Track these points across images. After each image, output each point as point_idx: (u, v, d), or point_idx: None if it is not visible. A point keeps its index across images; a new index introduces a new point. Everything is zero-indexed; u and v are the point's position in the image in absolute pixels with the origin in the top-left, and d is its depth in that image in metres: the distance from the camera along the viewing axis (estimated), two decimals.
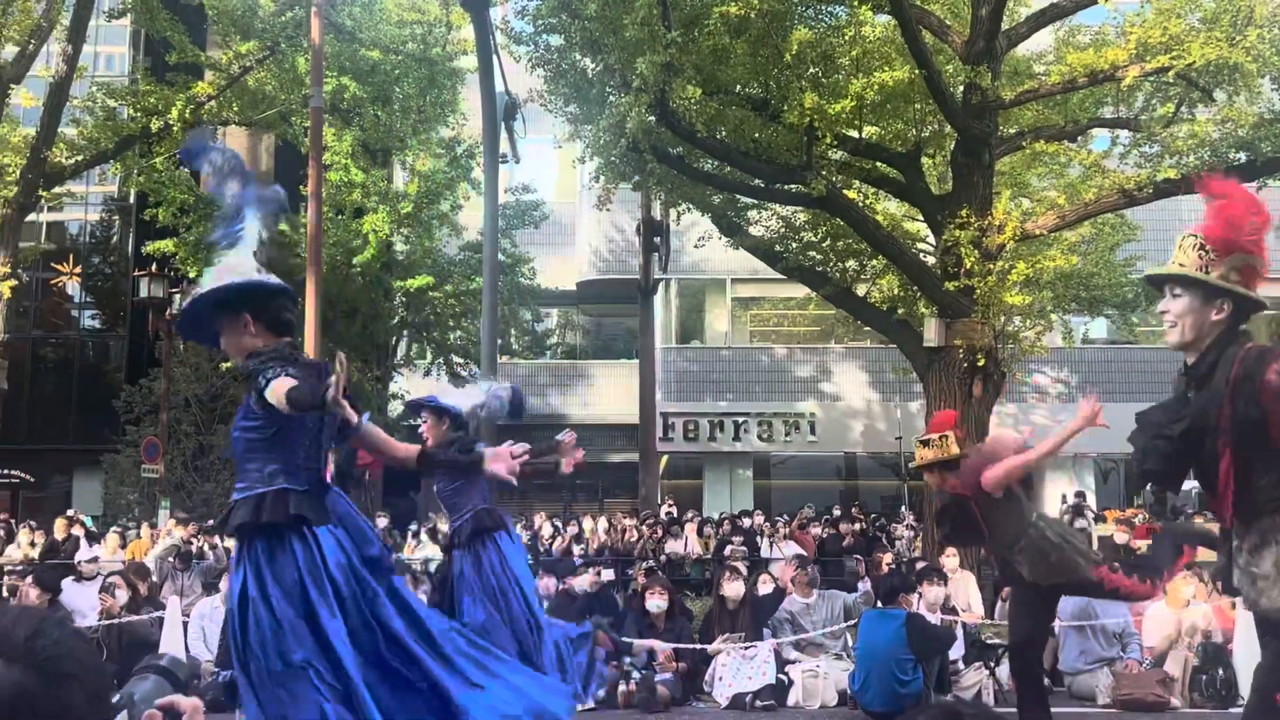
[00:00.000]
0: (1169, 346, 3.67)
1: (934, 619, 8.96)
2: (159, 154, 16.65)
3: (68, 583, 10.07)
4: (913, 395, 20.33)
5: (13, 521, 18.73)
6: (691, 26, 11.94)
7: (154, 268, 21.04)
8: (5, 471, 26.16)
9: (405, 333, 22.37)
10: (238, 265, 3.83)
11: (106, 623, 8.92)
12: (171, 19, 15.44)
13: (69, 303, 33.79)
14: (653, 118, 11.67)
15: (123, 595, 9.51)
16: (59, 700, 1.19)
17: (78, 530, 15.60)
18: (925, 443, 6.58)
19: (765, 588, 10.51)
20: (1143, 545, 13.47)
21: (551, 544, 16.70)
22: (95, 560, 10.86)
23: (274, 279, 3.91)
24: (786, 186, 13.47)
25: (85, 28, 13.88)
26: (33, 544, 15.28)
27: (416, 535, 16.59)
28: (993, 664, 8.83)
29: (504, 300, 19.60)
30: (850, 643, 9.33)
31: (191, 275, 19.95)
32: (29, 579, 9.11)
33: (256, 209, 3.92)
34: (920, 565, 11.29)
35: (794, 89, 12.11)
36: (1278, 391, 3.30)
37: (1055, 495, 22.39)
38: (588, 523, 17.84)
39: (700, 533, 16.29)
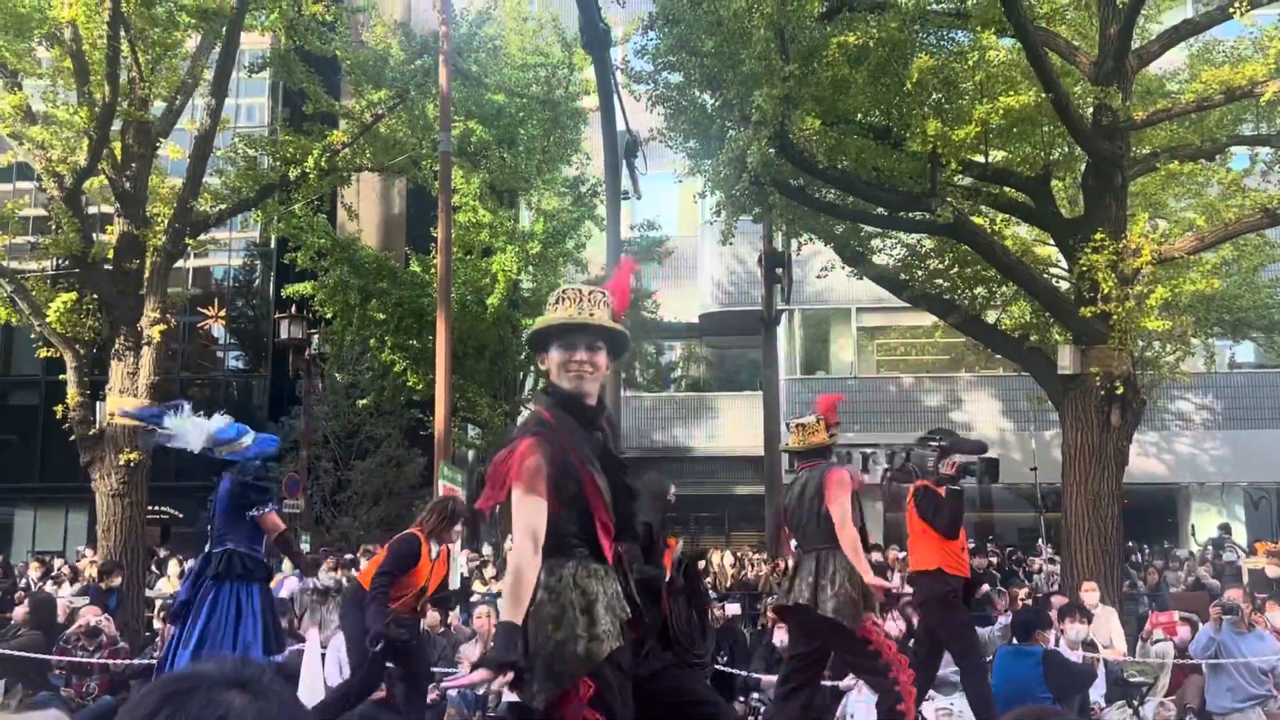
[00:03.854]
0: (584, 394, 3.81)
1: (1074, 656, 8.68)
2: (297, 201, 17.30)
3: None
4: (1048, 424, 19.78)
5: (163, 555, 19.58)
6: (810, 58, 11.93)
7: (293, 309, 21.84)
8: (156, 508, 27.36)
9: (532, 368, 22.71)
10: None
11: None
12: (307, 71, 16.06)
13: (214, 345, 35.31)
14: (773, 150, 11.67)
15: None
16: None
17: None
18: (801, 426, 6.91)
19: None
20: None
21: None
22: None
23: None
24: (911, 214, 13.30)
25: (227, 82, 14.50)
26: (181, 576, 15.92)
27: None
28: (1136, 703, 8.50)
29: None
30: None
31: (328, 316, 20.66)
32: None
33: None
34: (1058, 600, 10.95)
35: (916, 116, 11.98)
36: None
37: (1205, 526, 21.49)
38: (715, 556, 17.76)
39: None
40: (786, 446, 7.01)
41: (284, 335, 22.26)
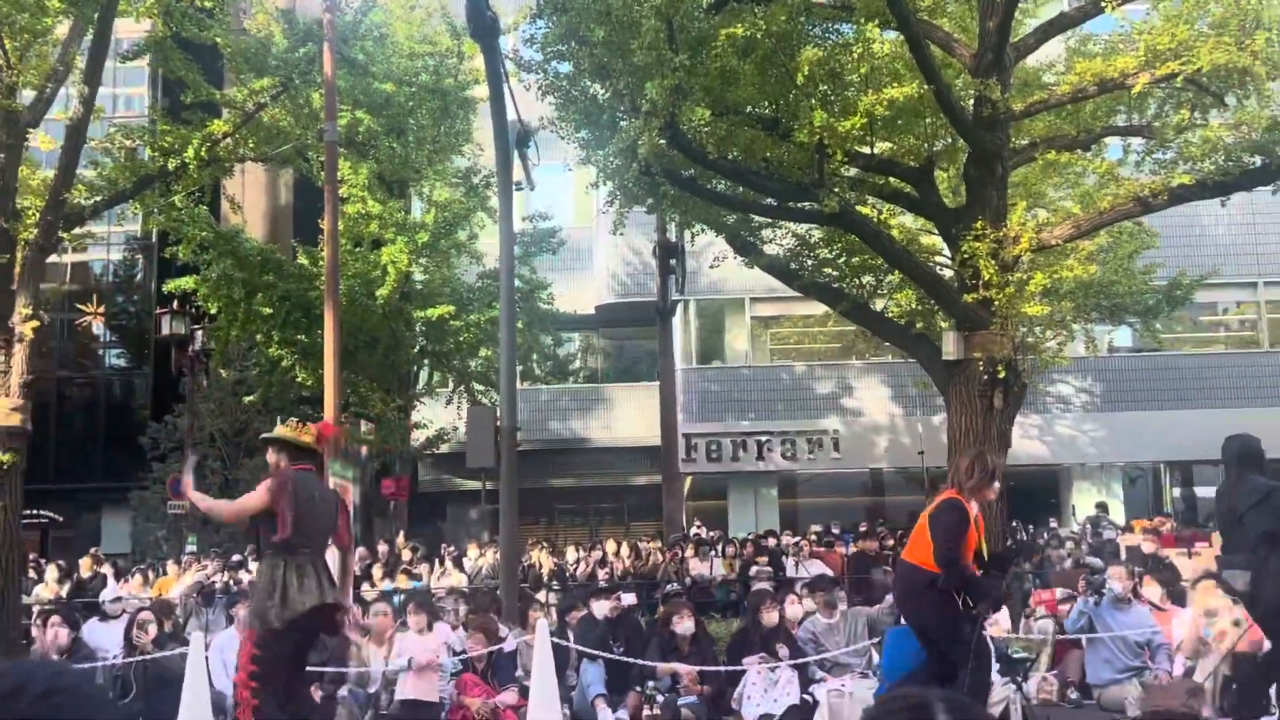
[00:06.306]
0: None
1: None
2: (176, 193, 16.77)
3: (91, 621, 10.13)
4: (935, 409, 20.25)
5: (42, 560, 18.91)
6: (699, 49, 11.97)
7: (175, 305, 21.22)
8: (34, 511, 26.38)
9: (426, 361, 22.45)
10: None
11: (135, 659, 8.96)
12: (186, 59, 15.55)
13: (95, 342, 34.17)
14: (663, 141, 11.71)
15: (152, 630, 9.56)
16: None
17: (106, 569, 15.71)
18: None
19: (793, 609, 10.43)
20: (1170, 554, 13.34)
21: (576, 568, 16.69)
22: (119, 600, 10.91)
23: None
24: (799, 204, 13.48)
25: (101, 70, 13.98)
26: (60, 582, 15.38)
27: (441, 562, 16.60)
28: (1020, 679, 8.74)
29: (524, 326, 19.65)
30: (876, 660, 9.27)
31: (212, 311, 20.13)
32: (54, 617, 9.17)
33: None
34: None
35: (803, 108, 12.12)
36: None
37: (1086, 505, 22.23)
38: (610, 546, 17.81)
39: (723, 554, 16.24)
40: (277, 435, 6.98)
41: (166, 331, 21.66)
